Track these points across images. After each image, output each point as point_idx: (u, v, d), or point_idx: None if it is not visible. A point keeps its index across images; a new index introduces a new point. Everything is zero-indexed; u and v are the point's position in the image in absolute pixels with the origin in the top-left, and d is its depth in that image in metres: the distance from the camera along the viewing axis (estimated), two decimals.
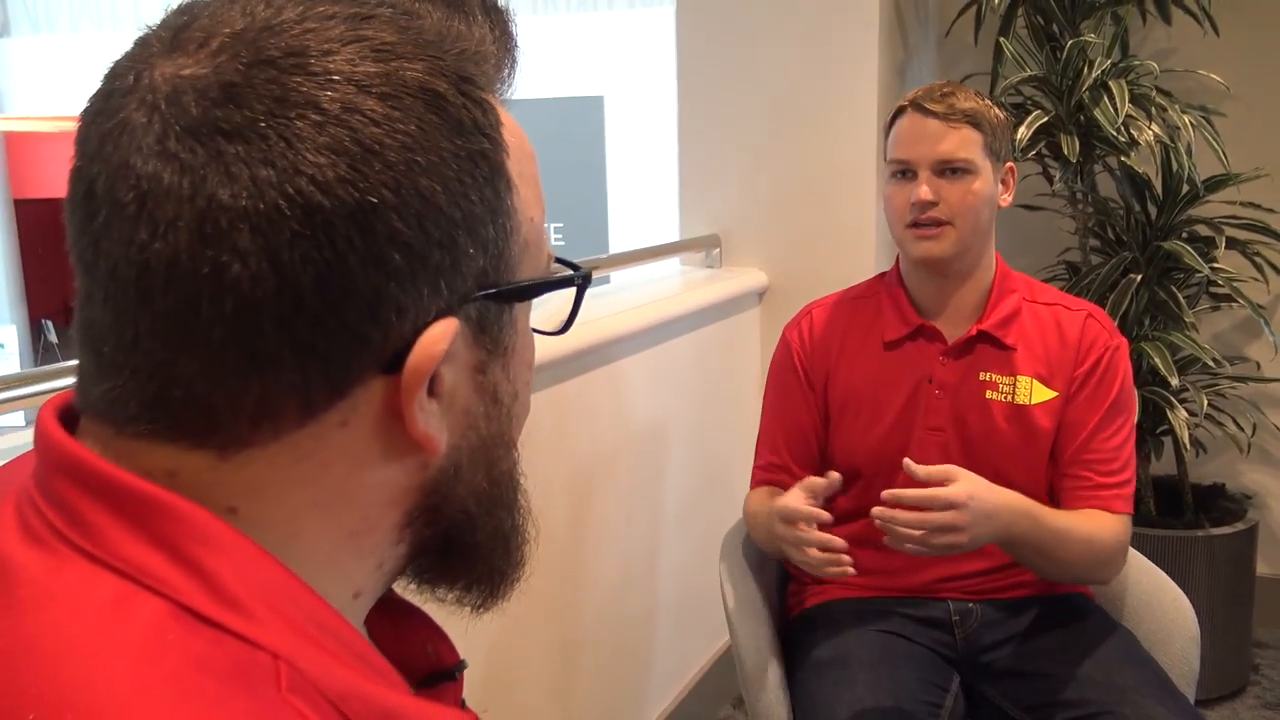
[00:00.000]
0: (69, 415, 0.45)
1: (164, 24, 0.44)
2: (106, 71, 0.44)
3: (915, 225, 1.43)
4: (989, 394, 1.46)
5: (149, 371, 0.41)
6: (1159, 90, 2.21)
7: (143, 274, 0.40)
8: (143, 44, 0.43)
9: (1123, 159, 2.15)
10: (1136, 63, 2.22)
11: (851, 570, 1.28)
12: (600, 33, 6.49)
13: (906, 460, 1.28)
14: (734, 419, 2.34)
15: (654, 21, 5.83)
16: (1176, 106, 2.14)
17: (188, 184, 0.39)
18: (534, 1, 6.80)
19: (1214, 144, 2.17)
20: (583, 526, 1.82)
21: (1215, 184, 2.25)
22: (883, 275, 1.60)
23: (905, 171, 1.44)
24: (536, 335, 0.55)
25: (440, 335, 0.43)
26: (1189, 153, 2.21)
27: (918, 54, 2.53)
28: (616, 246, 6.29)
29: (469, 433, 0.47)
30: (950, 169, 1.42)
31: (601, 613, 1.88)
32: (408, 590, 0.55)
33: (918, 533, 1.23)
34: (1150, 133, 2.08)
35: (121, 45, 0.45)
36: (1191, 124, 2.13)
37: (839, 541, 1.28)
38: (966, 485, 1.25)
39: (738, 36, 2.33)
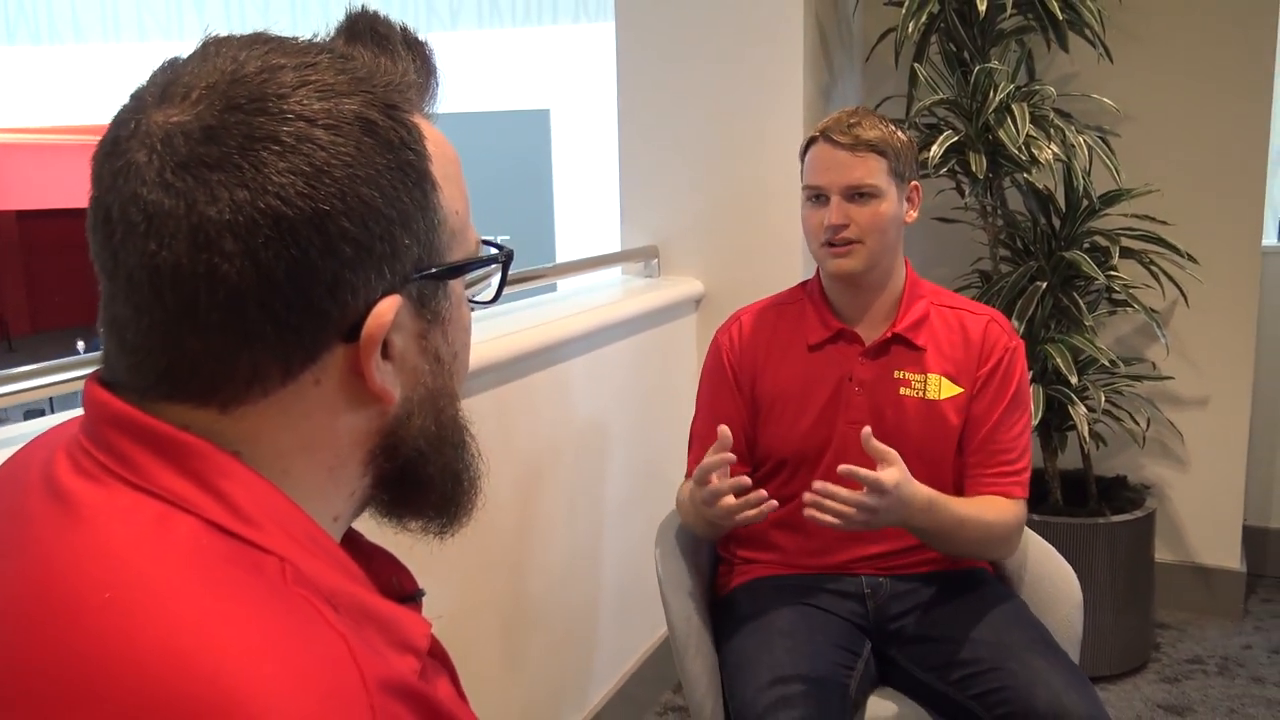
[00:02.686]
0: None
1: (152, 81, 0.56)
2: (112, 120, 0.56)
3: (830, 244, 1.58)
4: (903, 390, 1.61)
5: (162, 350, 0.54)
6: (1059, 112, 2.40)
7: (154, 277, 0.52)
8: (138, 97, 0.56)
9: (1025, 176, 2.33)
10: (1038, 87, 2.40)
11: (770, 505, 1.42)
12: (546, 47, 6.60)
13: (865, 431, 1.42)
14: (671, 419, 2.48)
15: (599, 36, 5.96)
16: (1073, 127, 2.33)
17: (183, 206, 0.51)
18: (480, 15, 6.91)
19: (1108, 162, 2.37)
20: (529, 518, 1.94)
21: (1110, 198, 2.45)
22: (804, 284, 1.75)
23: (818, 196, 1.60)
24: (483, 313, 0.68)
25: (387, 309, 0.55)
26: (1087, 170, 2.40)
27: (842, 77, 2.70)
28: (563, 257, 6.40)
29: (417, 386, 0.60)
30: (858, 194, 1.57)
31: (546, 601, 2.00)
32: (381, 526, 0.68)
33: (847, 510, 1.38)
34: (1049, 151, 2.27)
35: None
36: (1087, 143, 2.32)
37: (746, 482, 1.43)
38: (896, 475, 1.40)
39: (673, 60, 2.48)
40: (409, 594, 0.69)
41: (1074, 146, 2.30)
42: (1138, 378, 2.55)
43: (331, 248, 0.53)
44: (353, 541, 0.68)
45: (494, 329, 1.89)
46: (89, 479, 0.54)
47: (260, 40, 0.57)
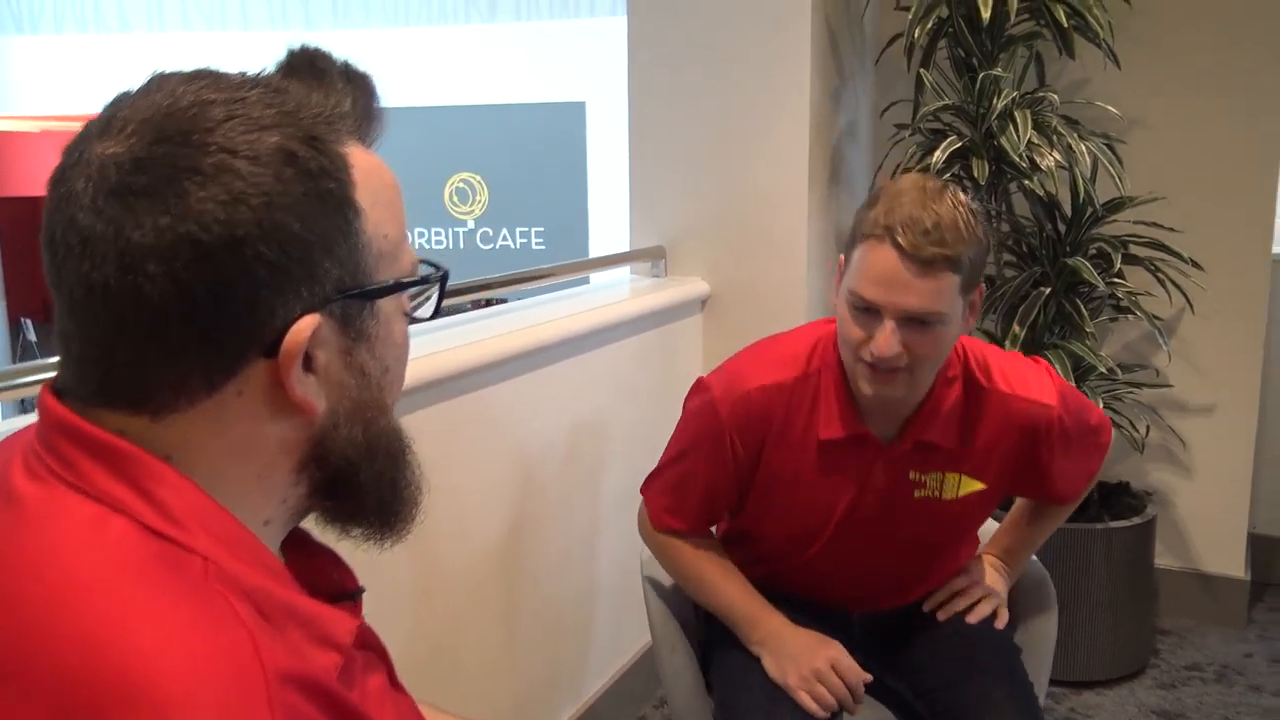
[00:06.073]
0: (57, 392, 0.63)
1: (100, 115, 0.61)
2: (64, 149, 0.61)
3: (871, 366, 1.33)
4: (916, 493, 1.46)
5: (99, 361, 0.59)
6: (1066, 118, 2.41)
7: (88, 294, 0.58)
8: (85, 129, 0.61)
9: (1026, 182, 2.34)
10: (1043, 94, 2.41)
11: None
12: (583, 39, 6.64)
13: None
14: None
15: None
16: (1076, 134, 2.34)
17: (111, 230, 0.56)
18: (517, 8, 6.97)
19: (1111, 170, 2.37)
20: (527, 512, 1.99)
21: (1114, 206, 2.45)
22: (818, 355, 1.47)
23: (869, 309, 1.31)
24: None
25: (304, 327, 0.59)
26: (1092, 177, 2.41)
27: (853, 79, 2.72)
28: (597, 249, 6.45)
29: (343, 399, 0.64)
30: (922, 320, 1.29)
31: (541, 593, 2.06)
32: (327, 534, 0.73)
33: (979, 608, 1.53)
34: (1051, 159, 2.28)
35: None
36: (1090, 151, 2.33)
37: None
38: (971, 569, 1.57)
39: (683, 63, 2.51)
40: (348, 592, 0.74)
41: (1076, 154, 2.31)
42: (1138, 385, 2.56)
43: (248, 270, 0.57)
44: (300, 541, 0.74)
45: (501, 326, 1.94)
46: (36, 480, 0.60)
47: (200, 76, 0.62)
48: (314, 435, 0.64)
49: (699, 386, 1.53)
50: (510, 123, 6.80)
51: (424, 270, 0.71)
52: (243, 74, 0.63)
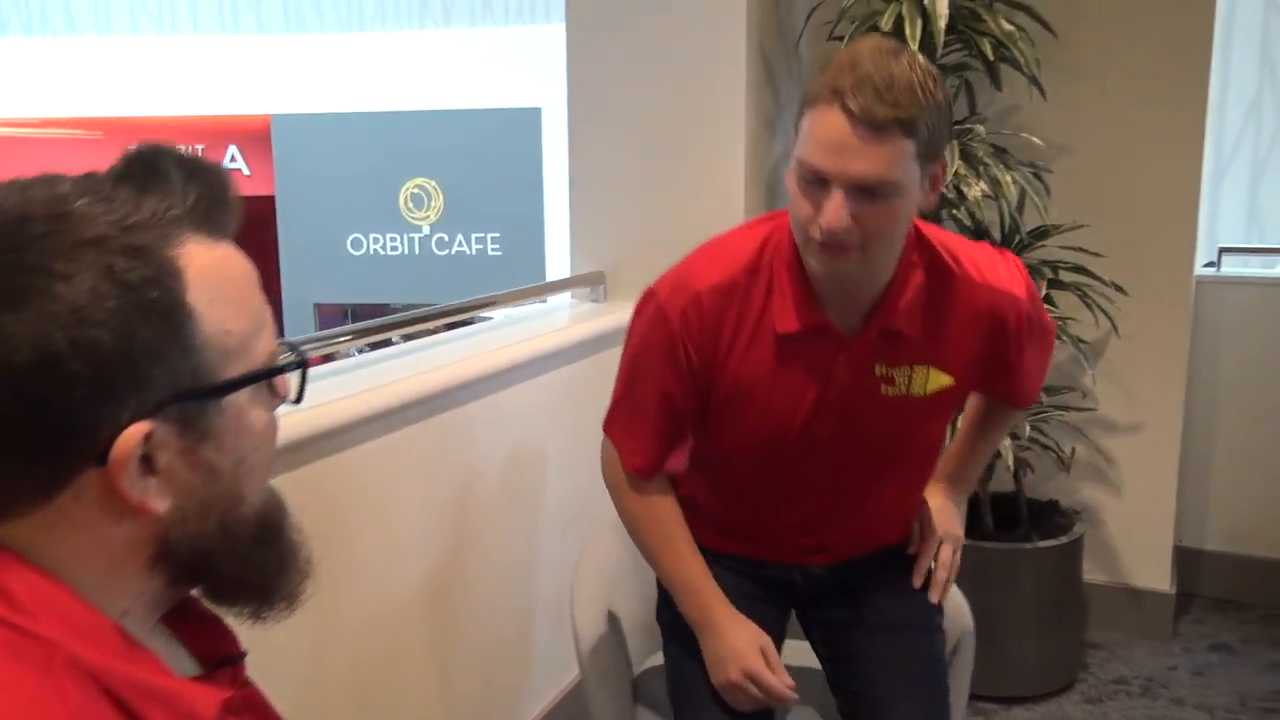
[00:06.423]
0: None
1: None
2: None
3: (822, 244, 1.26)
4: (884, 388, 1.39)
5: None
6: (996, 147, 2.47)
7: None
8: None
9: (954, 211, 2.39)
10: (971, 125, 2.47)
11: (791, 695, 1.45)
12: (538, 45, 6.66)
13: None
14: None
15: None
16: (1003, 165, 2.40)
17: None
18: (473, 14, 6.98)
19: (1037, 201, 2.43)
20: (464, 539, 2.02)
21: (1040, 233, 2.52)
22: (769, 246, 1.38)
23: (817, 179, 1.23)
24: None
25: (132, 435, 0.60)
26: (1019, 206, 2.47)
27: (789, 105, 2.76)
28: (553, 255, 6.47)
29: (189, 497, 0.65)
30: (872, 190, 1.20)
31: (477, 621, 2.08)
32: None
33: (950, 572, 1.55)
34: (978, 189, 2.34)
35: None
36: (1016, 180, 2.39)
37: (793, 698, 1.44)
38: (935, 525, 1.55)
39: (621, 92, 2.55)
40: (231, 657, 0.76)
41: (1002, 185, 2.37)
42: (1065, 407, 2.62)
43: (64, 388, 0.58)
44: (188, 610, 0.75)
45: (442, 357, 1.97)
46: None
47: (32, 185, 0.62)
48: (160, 533, 0.65)
49: (646, 295, 1.46)
50: (466, 128, 6.80)
51: (284, 356, 0.71)
52: (82, 177, 0.64)
